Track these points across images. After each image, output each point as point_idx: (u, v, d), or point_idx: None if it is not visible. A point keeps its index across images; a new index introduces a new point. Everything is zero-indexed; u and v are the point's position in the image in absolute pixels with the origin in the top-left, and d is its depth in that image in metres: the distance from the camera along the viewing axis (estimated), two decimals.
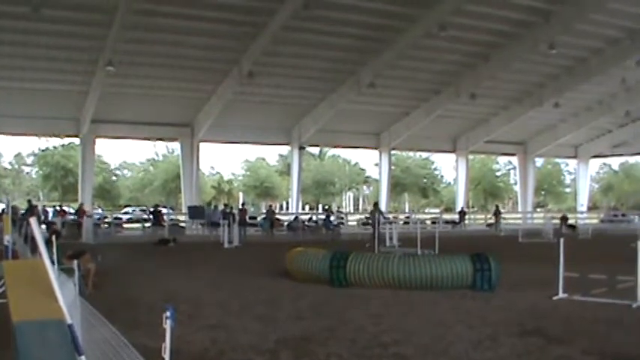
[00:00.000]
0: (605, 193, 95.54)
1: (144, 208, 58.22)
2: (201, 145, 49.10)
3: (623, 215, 62.34)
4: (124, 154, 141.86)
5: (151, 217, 42.25)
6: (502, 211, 38.62)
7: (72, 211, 43.25)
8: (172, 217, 47.95)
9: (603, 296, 13.45)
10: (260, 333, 10.40)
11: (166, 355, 5.17)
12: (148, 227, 42.20)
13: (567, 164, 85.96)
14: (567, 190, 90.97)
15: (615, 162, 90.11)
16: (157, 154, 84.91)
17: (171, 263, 22.72)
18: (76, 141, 49.73)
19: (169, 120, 46.02)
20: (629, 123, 57.26)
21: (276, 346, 9.44)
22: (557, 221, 44.95)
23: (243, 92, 42.29)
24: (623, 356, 8.83)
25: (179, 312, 11.16)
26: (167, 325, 5.14)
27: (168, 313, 5.14)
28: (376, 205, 38.59)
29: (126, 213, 57.44)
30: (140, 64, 38.13)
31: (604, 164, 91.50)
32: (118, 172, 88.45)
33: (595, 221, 58.20)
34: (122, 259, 22.49)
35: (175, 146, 57.95)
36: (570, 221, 46.70)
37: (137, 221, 46.61)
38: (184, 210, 47.27)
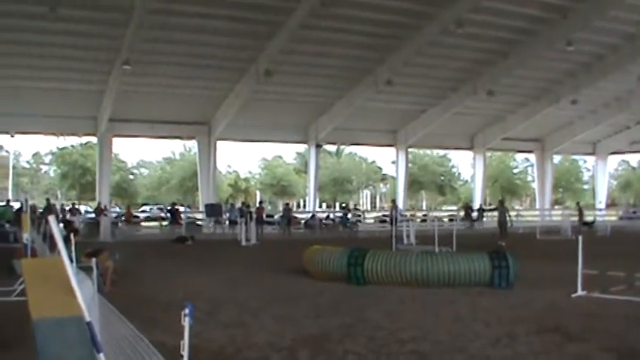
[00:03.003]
0: (624, 190, 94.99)
1: (161, 206, 58.36)
2: (219, 143, 49.12)
3: None
4: (142, 153, 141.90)
5: (169, 215, 42.41)
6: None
7: (88, 209, 43.47)
8: (190, 215, 48.10)
9: (622, 294, 13.39)
10: (277, 331, 10.42)
11: (185, 352, 5.18)
12: (166, 225, 42.35)
13: (585, 161, 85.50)
14: (585, 187, 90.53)
15: (634, 159, 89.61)
16: (174, 153, 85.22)
17: (189, 261, 22.78)
18: (94, 140, 49.88)
19: (186, 118, 46.11)
20: None
21: (294, 344, 9.46)
22: (575, 214, 44.58)
23: (261, 91, 42.32)
24: None
25: (197, 310, 11.20)
26: (186, 323, 5.16)
27: (186, 310, 5.16)
28: (394, 202, 38.53)
29: (143, 211, 57.63)
30: (157, 63, 38.24)
31: (622, 161, 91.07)
32: (135, 170, 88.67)
33: (614, 218, 57.89)
34: (140, 257, 22.59)
35: (192, 145, 58.18)
36: (588, 218, 46.35)
37: (155, 219, 46.70)
38: (201, 208, 47.34)
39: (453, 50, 41.27)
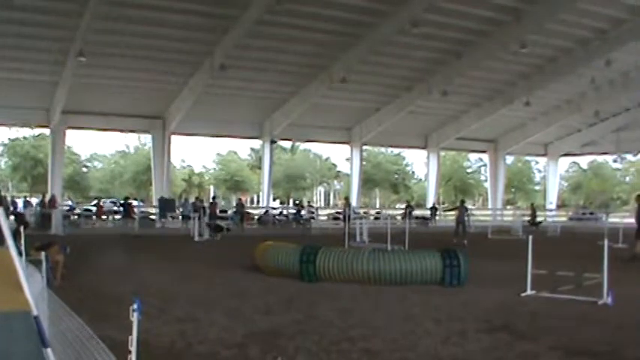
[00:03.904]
0: (574, 191, 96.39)
1: (114, 200, 57.83)
2: (173, 137, 48.95)
3: (592, 213, 62.88)
4: (95, 146, 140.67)
5: (122, 209, 42.05)
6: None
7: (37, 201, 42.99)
8: (143, 209, 47.77)
9: (570, 293, 13.57)
10: (228, 327, 10.38)
11: (133, 348, 5.15)
12: (118, 219, 41.97)
13: (537, 162, 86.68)
14: (537, 187, 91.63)
15: (584, 161, 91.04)
16: (128, 147, 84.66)
17: (141, 256, 22.58)
18: (47, 132, 49.35)
19: (141, 112, 45.91)
20: (598, 122, 57.96)
21: (244, 340, 9.43)
22: (527, 213, 45.21)
23: (215, 85, 42.19)
24: (588, 352, 8.91)
25: (148, 305, 11.15)
26: (134, 318, 5.13)
27: (134, 306, 5.13)
28: (347, 199, 38.52)
29: (96, 205, 57.08)
30: (112, 55, 37.80)
31: (573, 163, 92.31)
32: (88, 163, 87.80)
33: (564, 219, 58.63)
34: (91, 251, 22.38)
35: (147, 138, 57.82)
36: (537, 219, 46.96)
37: (107, 213, 46.27)
38: (155, 202, 47.01)
39: (408, 50, 41.47)
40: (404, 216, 46.66)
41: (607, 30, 40.75)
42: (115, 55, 37.83)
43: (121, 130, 53.74)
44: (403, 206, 54.66)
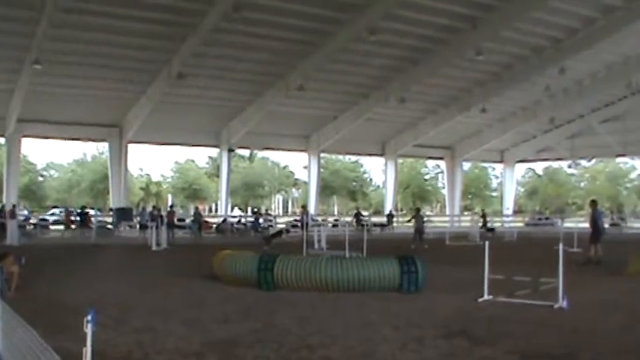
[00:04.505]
0: (530, 197, 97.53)
1: (71, 209, 57.30)
2: (130, 146, 48.65)
3: (547, 219, 63.63)
4: (52, 154, 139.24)
5: (78, 218, 41.63)
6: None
7: None
8: (100, 218, 47.36)
9: (526, 298, 13.68)
10: (186, 336, 10.32)
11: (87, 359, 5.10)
12: (75, 229, 41.52)
13: (494, 168, 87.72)
14: (494, 193, 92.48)
15: (540, 167, 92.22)
16: (85, 155, 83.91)
17: (98, 266, 22.39)
18: (1, 140, 48.76)
19: (98, 120, 45.58)
20: (553, 129, 58.90)
21: (202, 349, 9.39)
22: (479, 219, 45.69)
23: (173, 93, 41.96)
24: (545, 356, 9.01)
25: (105, 315, 11.07)
26: (88, 329, 5.07)
27: (89, 317, 5.08)
28: (304, 207, 38.51)
29: (52, 214, 56.40)
30: (68, 63, 37.51)
31: (529, 169, 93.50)
32: (44, 172, 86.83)
33: (520, 225, 59.21)
34: (48, 262, 22.14)
35: (104, 147, 57.39)
36: (490, 225, 47.40)
37: (64, 223, 45.79)
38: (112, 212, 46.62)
39: (365, 57, 41.62)
40: (352, 223, 46.93)
41: (561, 39, 41.37)
42: (72, 63, 37.51)
43: (78, 139, 53.31)
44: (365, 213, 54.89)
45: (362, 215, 52.28)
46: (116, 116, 45.49)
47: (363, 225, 41.24)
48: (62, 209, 53.57)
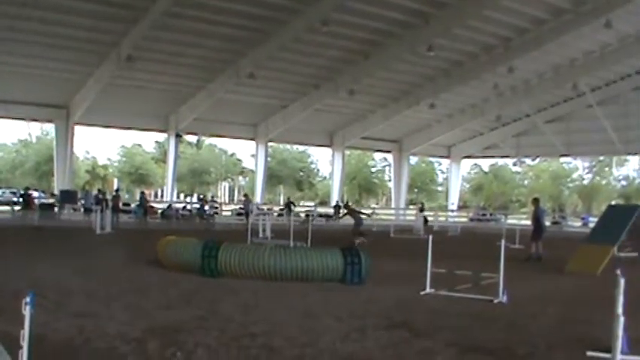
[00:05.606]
0: (475, 192, 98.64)
1: (14, 190, 56.43)
2: (77, 128, 47.96)
3: (491, 214, 64.45)
4: None
5: (21, 200, 41.04)
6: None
7: None
8: (44, 200, 46.70)
9: (467, 292, 13.86)
10: (128, 322, 10.24)
11: (25, 342, 5.07)
12: (18, 211, 40.93)
13: (440, 163, 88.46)
14: (440, 188, 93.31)
15: (486, 163, 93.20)
16: (30, 136, 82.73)
17: (40, 249, 22.08)
18: None
19: (44, 101, 44.78)
20: (500, 127, 59.71)
21: (144, 335, 9.32)
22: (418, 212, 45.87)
23: (122, 76, 41.56)
24: (482, 349, 9.12)
25: (46, 299, 10.95)
26: (26, 311, 5.04)
27: (27, 299, 5.04)
28: (247, 196, 38.46)
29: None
30: (16, 41, 36.78)
31: (475, 165, 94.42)
32: None
33: (465, 220, 59.82)
34: None
35: (50, 128, 56.60)
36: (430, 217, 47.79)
37: (7, 204, 45.07)
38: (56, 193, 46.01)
39: (317, 48, 41.70)
40: (281, 213, 47.11)
41: (511, 38, 41.89)
42: (18, 40, 36.78)
43: (23, 119, 52.51)
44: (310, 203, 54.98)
45: (294, 204, 52.35)
46: (63, 97, 44.76)
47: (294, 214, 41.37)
48: (4, 190, 52.81)
